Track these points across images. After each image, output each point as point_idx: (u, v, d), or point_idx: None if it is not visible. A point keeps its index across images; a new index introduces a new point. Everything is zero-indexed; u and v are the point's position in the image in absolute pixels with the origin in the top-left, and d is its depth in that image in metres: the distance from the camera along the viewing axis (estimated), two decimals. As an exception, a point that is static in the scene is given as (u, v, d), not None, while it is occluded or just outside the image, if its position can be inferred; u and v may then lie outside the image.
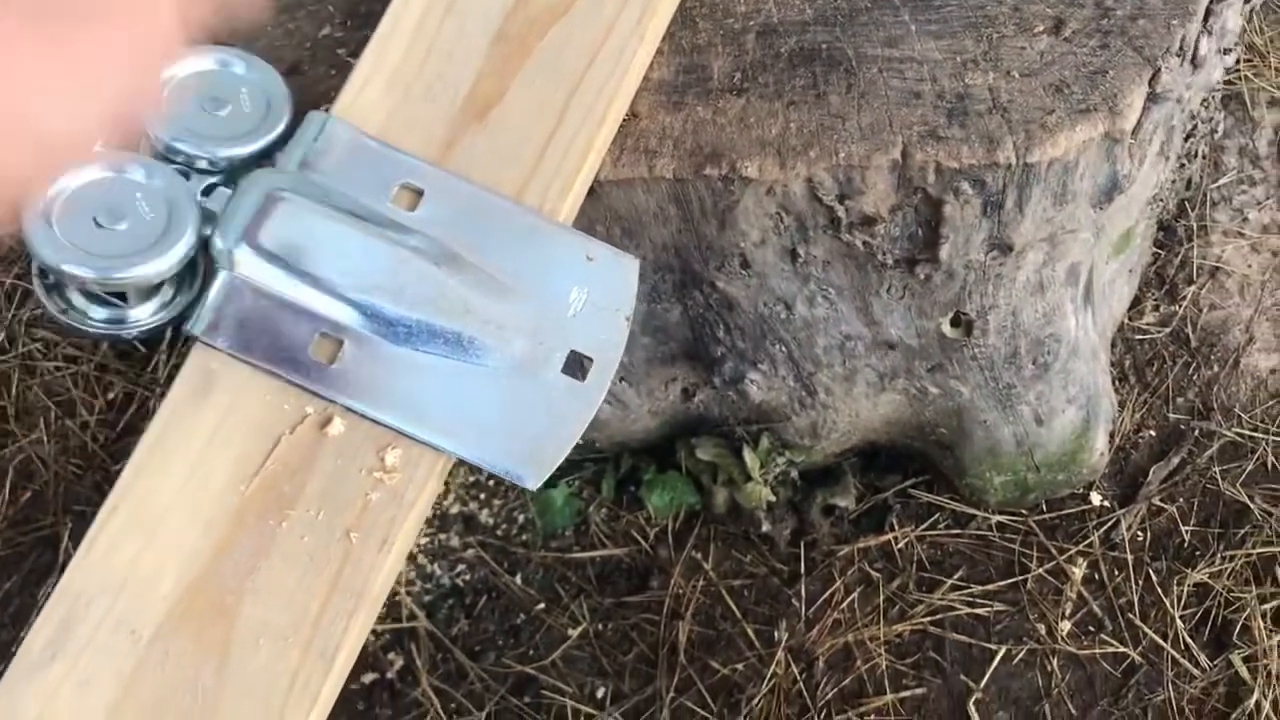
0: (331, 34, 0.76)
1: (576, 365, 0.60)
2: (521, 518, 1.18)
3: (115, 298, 0.59)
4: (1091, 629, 1.09)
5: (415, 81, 0.63)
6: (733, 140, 0.67)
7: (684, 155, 0.67)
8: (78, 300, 0.60)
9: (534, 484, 0.58)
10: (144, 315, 0.60)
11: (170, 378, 1.27)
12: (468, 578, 1.15)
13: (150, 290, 0.59)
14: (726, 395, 0.97)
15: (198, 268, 0.60)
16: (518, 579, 1.16)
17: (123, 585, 0.54)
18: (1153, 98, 0.68)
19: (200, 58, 0.62)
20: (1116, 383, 1.14)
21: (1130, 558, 1.10)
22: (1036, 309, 0.80)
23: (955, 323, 0.81)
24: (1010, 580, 1.10)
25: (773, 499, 1.07)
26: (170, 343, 1.30)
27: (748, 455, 1.03)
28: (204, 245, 0.59)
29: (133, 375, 1.29)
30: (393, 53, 0.63)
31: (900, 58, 0.67)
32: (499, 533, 1.17)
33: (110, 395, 1.29)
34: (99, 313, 0.60)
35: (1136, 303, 1.17)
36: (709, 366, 0.93)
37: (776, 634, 1.10)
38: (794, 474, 1.07)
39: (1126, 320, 1.16)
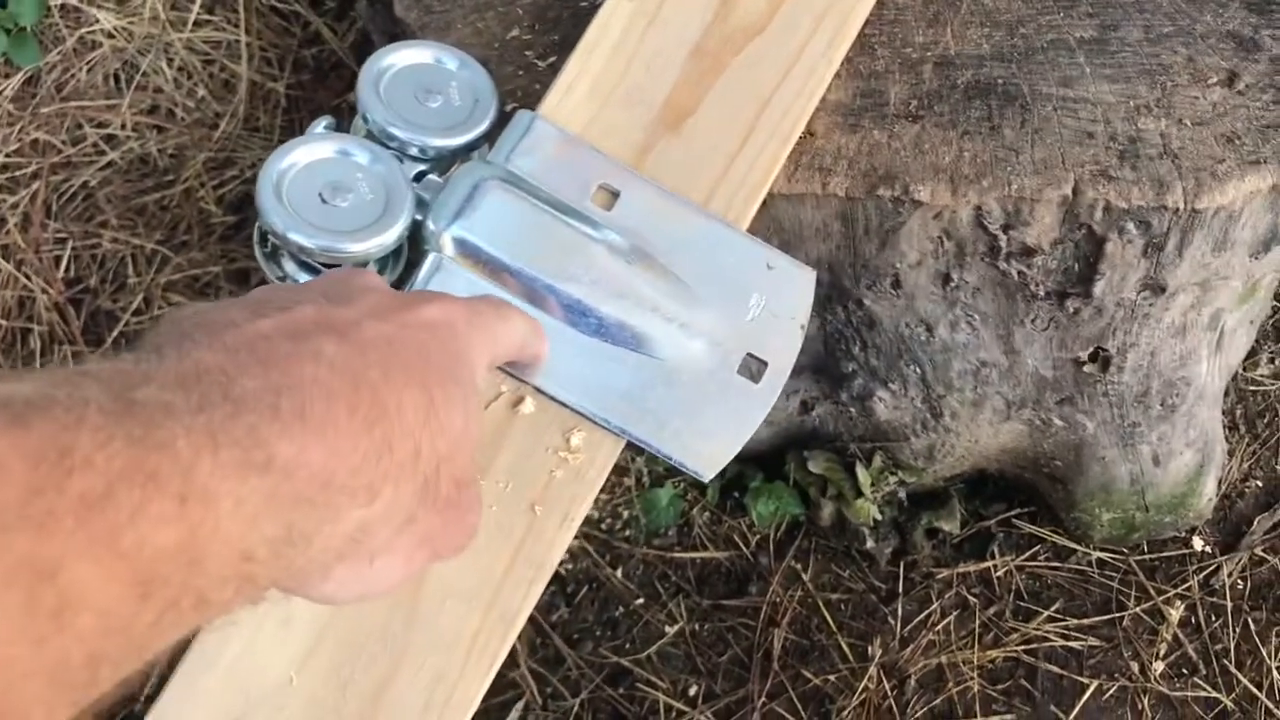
0: (519, 36, 0.79)
1: (751, 368, 0.63)
2: (626, 514, 1.21)
3: (328, 269, 0.63)
4: (1185, 672, 1.10)
5: (616, 89, 0.66)
6: (907, 164, 0.69)
7: (858, 175, 0.70)
8: (289, 267, 0.64)
9: (706, 476, 0.61)
10: (348, 288, 0.64)
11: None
12: (570, 567, 1.19)
13: (361, 266, 0.63)
14: (846, 411, 1.00)
15: (403, 251, 0.64)
16: (619, 573, 1.19)
17: (324, 536, 0.58)
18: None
19: (417, 50, 0.66)
20: (1227, 431, 1.15)
21: (1229, 605, 1.11)
22: (1175, 351, 0.82)
23: (1093, 358, 0.83)
24: (1106, 616, 1.12)
25: (879, 517, 1.10)
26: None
27: (860, 472, 1.05)
28: (413, 229, 0.63)
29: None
30: (596, 61, 0.67)
31: (1074, 98, 0.70)
32: (603, 526, 1.20)
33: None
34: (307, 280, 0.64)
35: (1253, 354, 1.18)
36: (836, 381, 0.95)
37: (870, 649, 1.13)
38: (902, 495, 1.09)
39: (1241, 370, 1.18)
